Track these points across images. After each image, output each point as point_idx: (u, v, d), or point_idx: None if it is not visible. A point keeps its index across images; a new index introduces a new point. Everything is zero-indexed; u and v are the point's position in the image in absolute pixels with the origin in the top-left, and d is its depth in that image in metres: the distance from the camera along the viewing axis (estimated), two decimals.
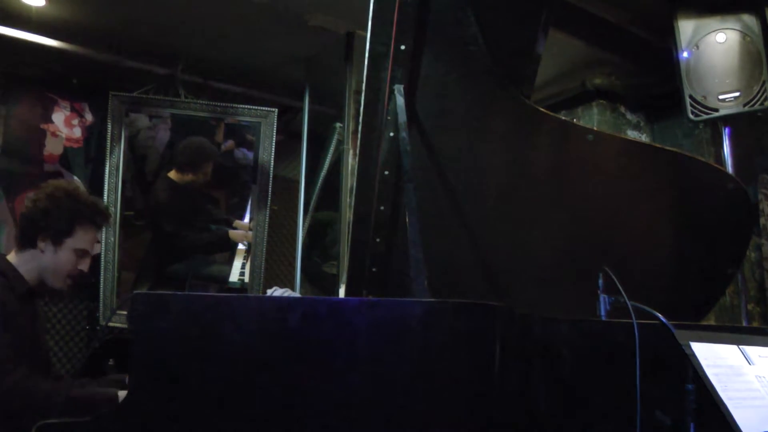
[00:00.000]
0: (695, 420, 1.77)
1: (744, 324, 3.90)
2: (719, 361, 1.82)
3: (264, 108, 4.63)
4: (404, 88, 2.05)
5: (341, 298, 2.19)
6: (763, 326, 3.85)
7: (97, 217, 2.57)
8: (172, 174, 4.68)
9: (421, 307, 1.65)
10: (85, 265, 2.58)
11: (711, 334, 1.92)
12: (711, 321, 4.11)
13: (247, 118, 4.63)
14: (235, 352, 1.56)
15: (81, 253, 2.54)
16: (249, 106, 4.63)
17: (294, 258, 4.79)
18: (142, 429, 1.57)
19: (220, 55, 4.68)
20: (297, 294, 3.74)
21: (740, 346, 1.93)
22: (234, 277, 4.59)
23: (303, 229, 4.72)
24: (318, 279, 4.97)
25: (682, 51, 3.73)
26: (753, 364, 1.89)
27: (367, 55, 2.07)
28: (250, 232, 4.61)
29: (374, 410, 1.58)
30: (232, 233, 4.69)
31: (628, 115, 5.02)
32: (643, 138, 5.03)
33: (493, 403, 1.70)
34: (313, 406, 1.56)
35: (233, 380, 1.55)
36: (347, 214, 4.08)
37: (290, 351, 1.56)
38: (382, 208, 2.11)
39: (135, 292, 2.54)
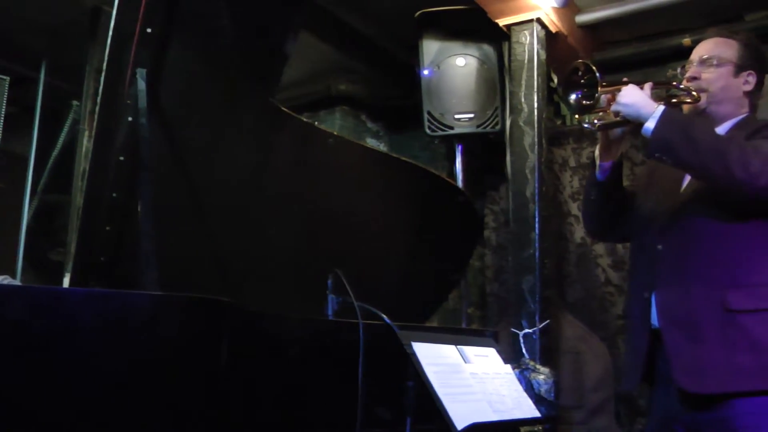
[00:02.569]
0: (413, 415, 1.88)
1: (464, 326, 4.20)
2: (439, 359, 1.93)
3: None
4: (148, 73, 1.97)
5: (65, 288, 2.06)
6: (481, 328, 4.17)
7: None
8: None
9: (148, 300, 1.61)
10: None
11: (433, 335, 2.03)
12: (434, 323, 4.37)
13: None
14: None
15: None
16: None
17: (17, 242, 4.42)
18: None
19: None
20: (17, 282, 3.48)
21: (459, 347, 2.06)
22: None
23: (29, 212, 4.37)
24: (42, 267, 4.63)
25: (425, 69, 3.92)
26: (469, 363, 2.03)
27: (110, 34, 1.96)
28: None
29: (96, 407, 1.50)
30: None
31: (369, 124, 5.19)
32: (382, 147, 5.17)
33: (218, 401, 1.69)
34: (31, 404, 1.45)
35: None
36: (78, 199, 3.84)
37: (7, 344, 1.43)
38: (115, 195, 2.01)
39: None
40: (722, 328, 2.02)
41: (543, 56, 3.78)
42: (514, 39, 3.80)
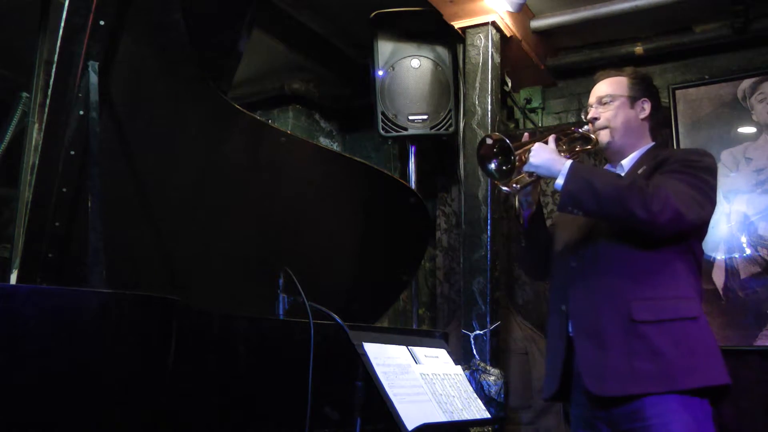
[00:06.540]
0: (362, 415, 1.88)
1: (414, 327, 4.22)
2: (389, 360, 1.94)
3: None
4: (99, 66, 1.94)
5: (10, 285, 2.02)
6: (432, 329, 4.19)
7: None
8: None
9: (96, 298, 1.58)
10: None
11: (383, 336, 2.04)
12: (384, 323, 4.38)
13: None
14: None
15: None
16: None
17: None
18: None
19: None
20: None
21: (409, 347, 2.07)
22: None
23: None
24: None
25: (379, 70, 3.93)
26: (420, 363, 2.04)
27: (62, 24, 1.92)
28: None
29: (42, 407, 1.47)
30: None
31: (323, 123, 5.18)
32: (335, 147, 5.18)
33: (165, 400, 1.67)
34: None
35: None
36: (26, 194, 3.76)
37: None
38: (64, 190, 1.97)
39: None
40: (625, 337, 2.16)
41: (497, 60, 3.82)
42: (468, 42, 3.83)
